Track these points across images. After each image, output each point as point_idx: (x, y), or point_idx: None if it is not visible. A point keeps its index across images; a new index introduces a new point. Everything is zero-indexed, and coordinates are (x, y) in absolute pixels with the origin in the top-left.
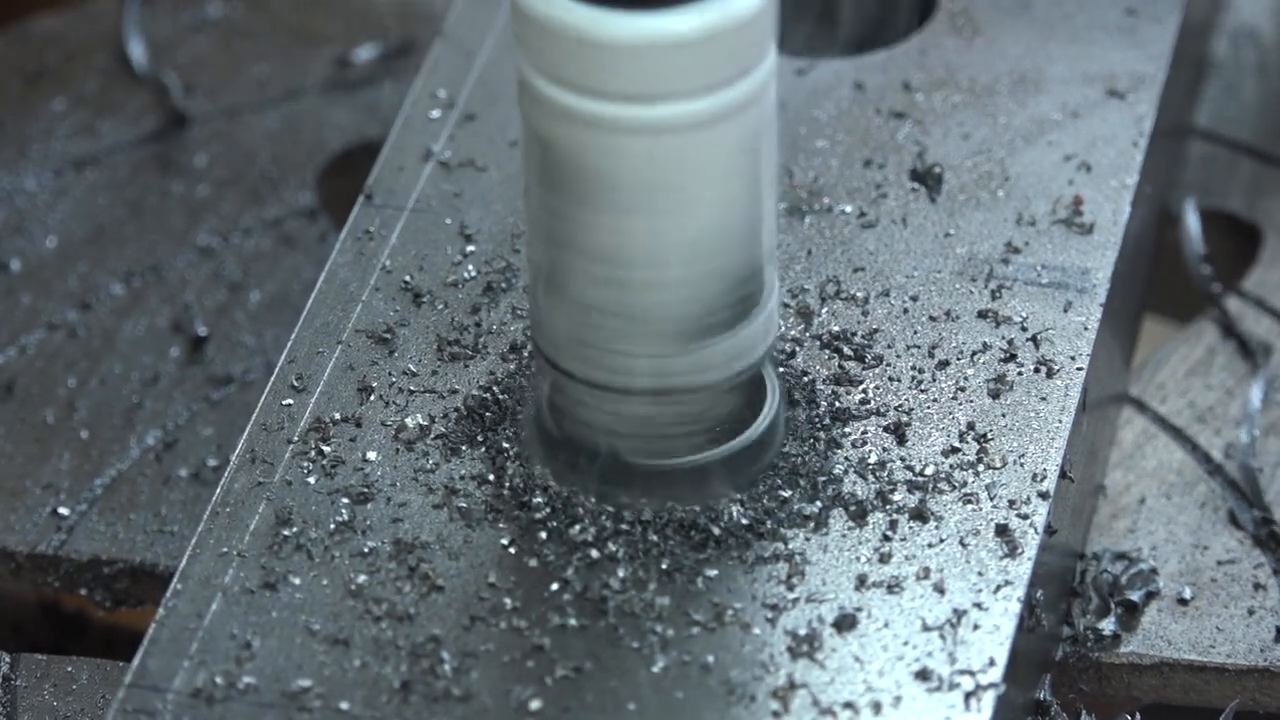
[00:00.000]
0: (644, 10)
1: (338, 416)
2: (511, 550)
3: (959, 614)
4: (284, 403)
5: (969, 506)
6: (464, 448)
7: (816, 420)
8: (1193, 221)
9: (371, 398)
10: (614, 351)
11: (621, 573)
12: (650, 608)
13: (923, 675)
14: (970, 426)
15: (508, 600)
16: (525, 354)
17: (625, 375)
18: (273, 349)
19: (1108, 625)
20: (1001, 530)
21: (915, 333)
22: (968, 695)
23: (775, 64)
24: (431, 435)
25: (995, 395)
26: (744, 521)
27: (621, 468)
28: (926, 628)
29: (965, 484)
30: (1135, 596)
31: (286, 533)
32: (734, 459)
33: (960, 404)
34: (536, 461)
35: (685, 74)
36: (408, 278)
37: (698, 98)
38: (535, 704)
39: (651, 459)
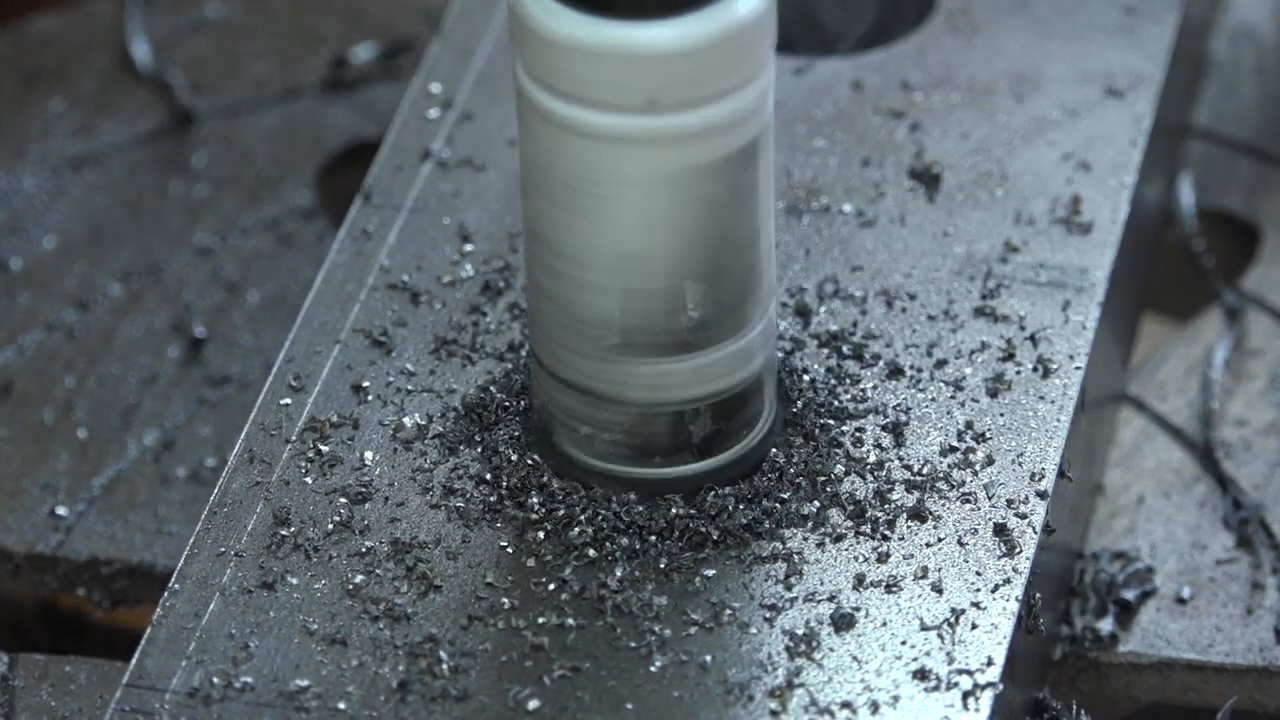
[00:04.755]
0: (631, 19)
1: (335, 416)
2: (509, 550)
3: (957, 613)
4: (282, 402)
5: (967, 506)
6: (462, 447)
7: (814, 419)
8: (1187, 195)
9: (369, 397)
10: (553, 340)
11: (619, 572)
12: (648, 607)
13: (921, 675)
14: (968, 426)
15: (505, 600)
16: (523, 353)
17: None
18: (271, 349)
19: (1105, 625)
20: (1000, 530)
21: (913, 332)
22: (966, 695)
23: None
24: (429, 435)
25: (993, 394)
26: (742, 521)
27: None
28: (924, 627)
29: (963, 483)
30: (1130, 596)
31: (284, 532)
32: (732, 463)
33: (958, 403)
34: (534, 461)
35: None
36: (406, 277)
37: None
38: (533, 704)
39: (645, 466)
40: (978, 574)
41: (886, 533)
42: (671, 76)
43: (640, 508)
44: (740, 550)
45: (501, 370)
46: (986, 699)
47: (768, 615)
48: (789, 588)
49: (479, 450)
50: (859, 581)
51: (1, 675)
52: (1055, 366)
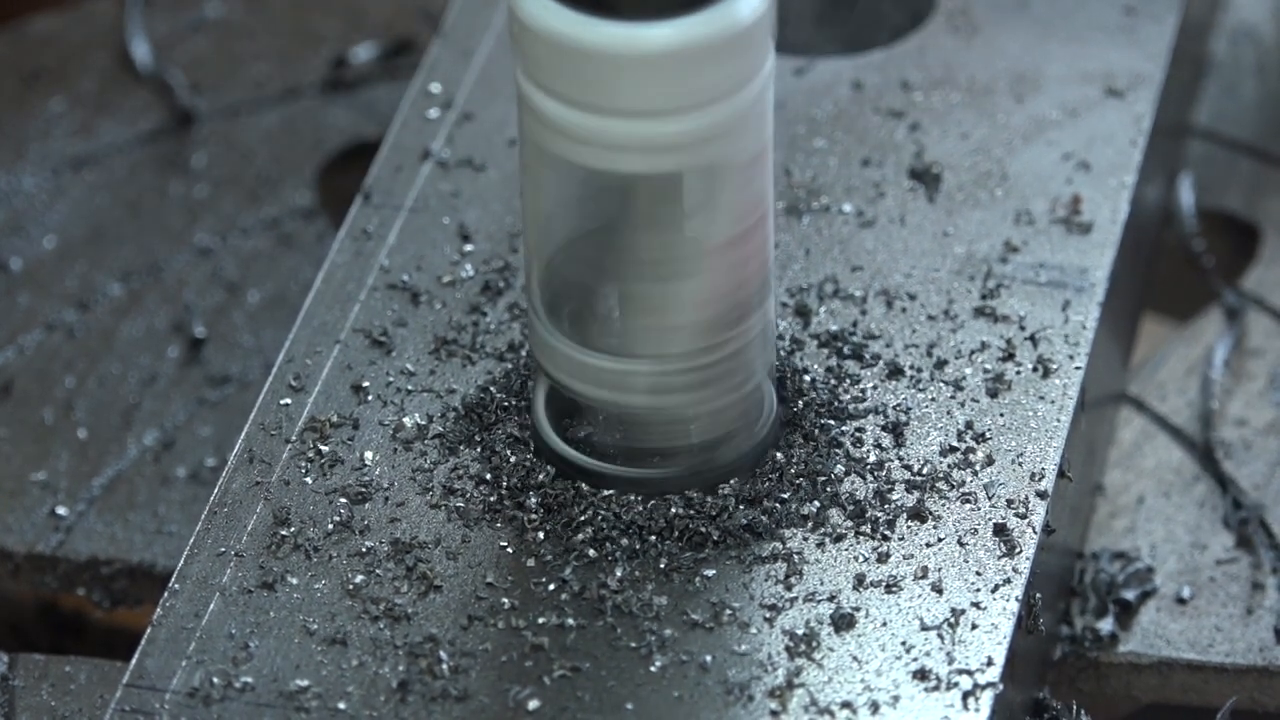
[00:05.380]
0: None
1: (335, 416)
2: (509, 550)
3: (957, 613)
4: (282, 402)
5: (967, 506)
6: (462, 447)
7: (814, 420)
8: (1187, 195)
9: (369, 397)
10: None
11: (619, 572)
12: (648, 607)
13: (921, 675)
14: (968, 426)
15: (505, 600)
16: (523, 353)
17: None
18: (271, 349)
19: (1105, 625)
20: (999, 530)
21: (913, 332)
22: (966, 695)
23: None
24: (429, 435)
25: (993, 394)
26: (742, 521)
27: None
28: (925, 627)
29: (963, 483)
30: (1130, 596)
31: (284, 532)
32: (732, 464)
33: (958, 403)
34: (534, 461)
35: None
36: (406, 277)
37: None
38: (533, 704)
39: (645, 466)
40: (978, 574)
41: (886, 533)
42: (670, 78)
43: (640, 508)
44: (740, 550)
45: (501, 370)
46: (986, 699)
47: (768, 615)
48: (789, 588)
49: (479, 450)
50: (859, 581)
51: (1, 675)
52: (1055, 366)
